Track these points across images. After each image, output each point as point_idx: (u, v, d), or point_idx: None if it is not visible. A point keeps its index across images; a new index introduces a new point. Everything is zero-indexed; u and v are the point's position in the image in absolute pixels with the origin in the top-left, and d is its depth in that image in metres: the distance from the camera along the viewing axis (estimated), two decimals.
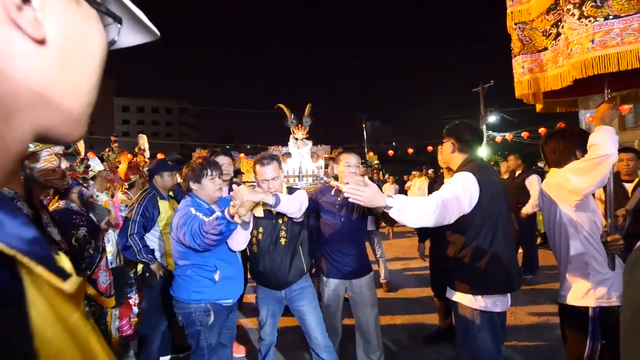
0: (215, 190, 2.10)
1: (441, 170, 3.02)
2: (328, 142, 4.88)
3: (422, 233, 3.27)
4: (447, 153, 2.03)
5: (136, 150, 4.19)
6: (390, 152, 20.67)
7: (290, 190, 2.40)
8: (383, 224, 5.58)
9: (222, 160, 2.93)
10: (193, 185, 2.12)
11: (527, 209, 4.48)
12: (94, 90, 0.36)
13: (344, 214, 2.45)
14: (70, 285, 0.30)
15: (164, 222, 2.86)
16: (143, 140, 4.29)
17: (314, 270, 3.67)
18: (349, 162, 2.44)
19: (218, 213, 1.81)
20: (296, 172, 4.46)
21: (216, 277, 2.04)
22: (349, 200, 1.62)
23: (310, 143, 4.61)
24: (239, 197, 1.77)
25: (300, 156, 4.48)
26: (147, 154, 4.28)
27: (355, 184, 1.61)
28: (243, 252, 2.36)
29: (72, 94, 0.33)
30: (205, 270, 2.05)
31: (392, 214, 1.61)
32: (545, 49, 2.09)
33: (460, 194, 1.72)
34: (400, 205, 1.59)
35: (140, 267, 2.81)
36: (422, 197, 1.69)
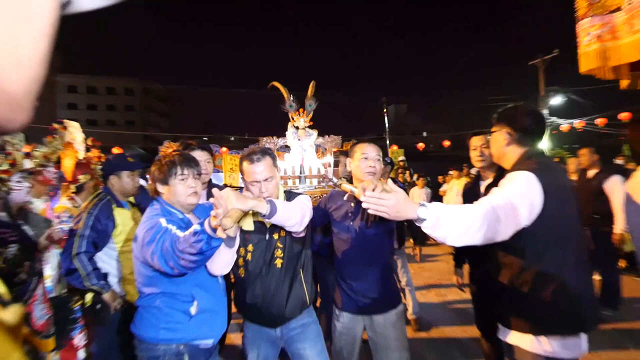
0: (188, 195, 2.11)
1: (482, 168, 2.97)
2: (338, 132, 4.88)
3: (459, 254, 3.25)
4: (499, 146, 2.04)
5: (70, 141, 4.18)
6: (420, 145, 20.62)
7: (290, 195, 2.41)
8: (411, 240, 5.56)
9: (199, 156, 2.95)
10: (161, 188, 2.13)
11: (619, 227, 4.38)
12: (42, 62, 0.36)
13: (359, 225, 2.46)
14: (11, 314, 0.29)
15: (122, 237, 2.87)
16: (74, 129, 4.29)
17: (319, 302, 3.65)
18: (366, 154, 2.47)
19: (196, 226, 1.81)
20: (297, 171, 4.46)
21: (193, 310, 2.04)
22: (369, 211, 1.62)
23: (314, 133, 4.61)
24: (222, 204, 1.76)
25: (302, 150, 4.48)
26: (81, 146, 4.28)
27: (374, 189, 1.60)
28: (226, 278, 2.36)
29: (13, 66, 0.33)
30: (178, 300, 2.04)
31: (426, 228, 1.61)
32: (619, 9, 2.07)
33: (516, 200, 1.71)
34: (437, 217, 1.59)
35: (89, 296, 2.82)
36: (466, 206, 1.68)
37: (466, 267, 3.18)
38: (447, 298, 5.82)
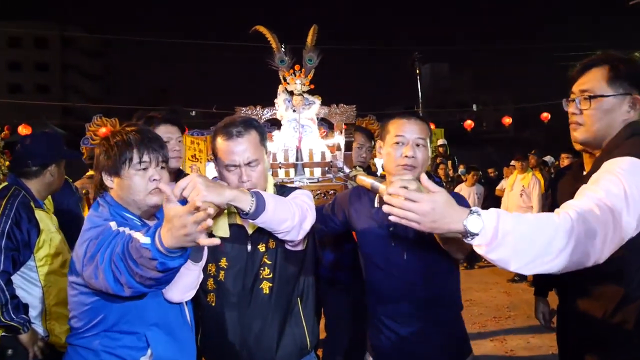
0: (149, 193, 2.07)
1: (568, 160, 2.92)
2: (352, 100, 4.82)
3: (539, 275, 3.24)
4: (612, 120, 1.98)
5: None
6: (468, 122, 20.62)
7: (282, 191, 2.42)
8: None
9: (166, 132, 3.02)
10: (108, 181, 2.11)
11: None
12: None
13: (406, 244, 2.38)
14: None
15: (46, 251, 2.90)
16: None
17: (321, 353, 3.64)
18: (401, 135, 2.37)
19: (143, 238, 1.73)
20: (291, 157, 4.43)
21: None
22: (390, 218, 1.59)
23: (317, 101, 4.56)
24: (185, 192, 1.75)
25: (300, 127, 4.44)
26: None
27: (399, 187, 1.56)
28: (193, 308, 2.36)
29: None
30: (125, 345, 2.03)
31: (479, 247, 1.56)
32: None
33: (618, 202, 1.66)
34: (495, 230, 1.52)
35: None
36: (540, 215, 1.65)
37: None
38: (508, 345, 5.82)
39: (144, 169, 2.06)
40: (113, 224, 1.97)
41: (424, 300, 2.40)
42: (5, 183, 3.05)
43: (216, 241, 1.69)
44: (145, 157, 2.06)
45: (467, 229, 1.52)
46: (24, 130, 14.33)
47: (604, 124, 1.99)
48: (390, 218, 1.58)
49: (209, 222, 1.59)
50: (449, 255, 2.39)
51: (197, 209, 1.57)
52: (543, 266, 1.58)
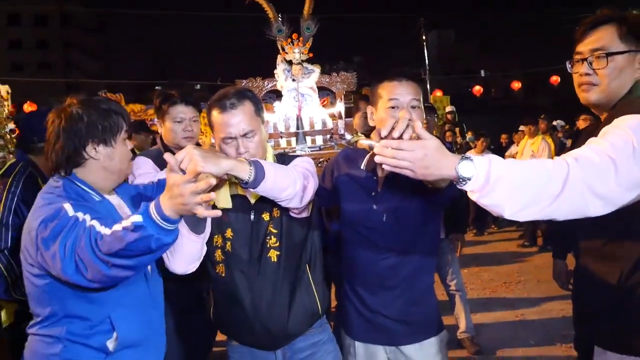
0: (111, 176, 2.11)
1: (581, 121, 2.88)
2: (356, 69, 4.81)
3: (559, 237, 3.21)
4: (622, 74, 1.92)
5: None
6: (477, 89, 20.42)
7: (283, 160, 2.42)
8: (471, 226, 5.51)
9: (182, 112, 3.12)
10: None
11: None
12: None
13: (387, 209, 2.36)
14: None
15: None
16: None
17: (333, 308, 3.66)
18: (395, 98, 2.30)
19: (136, 217, 1.69)
20: (292, 126, 4.44)
21: (110, 344, 1.99)
22: (384, 167, 1.58)
23: (316, 70, 4.56)
24: (185, 168, 1.72)
25: (300, 96, 4.42)
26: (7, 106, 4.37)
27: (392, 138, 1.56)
28: (199, 274, 2.37)
29: None
30: (88, 330, 1.98)
31: (472, 193, 1.56)
32: None
33: (623, 154, 1.60)
34: (487, 174, 1.51)
35: (6, 312, 2.89)
36: (534, 160, 1.65)
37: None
38: (519, 310, 5.86)
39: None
40: (67, 207, 1.89)
41: (396, 270, 2.37)
42: (14, 159, 3.07)
43: (215, 213, 1.72)
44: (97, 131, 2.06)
45: (459, 174, 1.52)
46: (29, 108, 14.33)
47: (618, 83, 1.93)
48: (384, 167, 1.57)
49: (212, 195, 1.62)
50: (430, 234, 2.44)
51: (197, 176, 1.60)
52: (539, 212, 1.57)
